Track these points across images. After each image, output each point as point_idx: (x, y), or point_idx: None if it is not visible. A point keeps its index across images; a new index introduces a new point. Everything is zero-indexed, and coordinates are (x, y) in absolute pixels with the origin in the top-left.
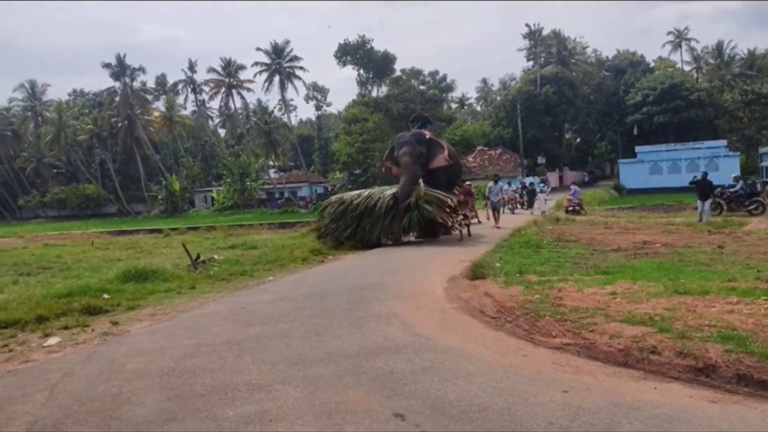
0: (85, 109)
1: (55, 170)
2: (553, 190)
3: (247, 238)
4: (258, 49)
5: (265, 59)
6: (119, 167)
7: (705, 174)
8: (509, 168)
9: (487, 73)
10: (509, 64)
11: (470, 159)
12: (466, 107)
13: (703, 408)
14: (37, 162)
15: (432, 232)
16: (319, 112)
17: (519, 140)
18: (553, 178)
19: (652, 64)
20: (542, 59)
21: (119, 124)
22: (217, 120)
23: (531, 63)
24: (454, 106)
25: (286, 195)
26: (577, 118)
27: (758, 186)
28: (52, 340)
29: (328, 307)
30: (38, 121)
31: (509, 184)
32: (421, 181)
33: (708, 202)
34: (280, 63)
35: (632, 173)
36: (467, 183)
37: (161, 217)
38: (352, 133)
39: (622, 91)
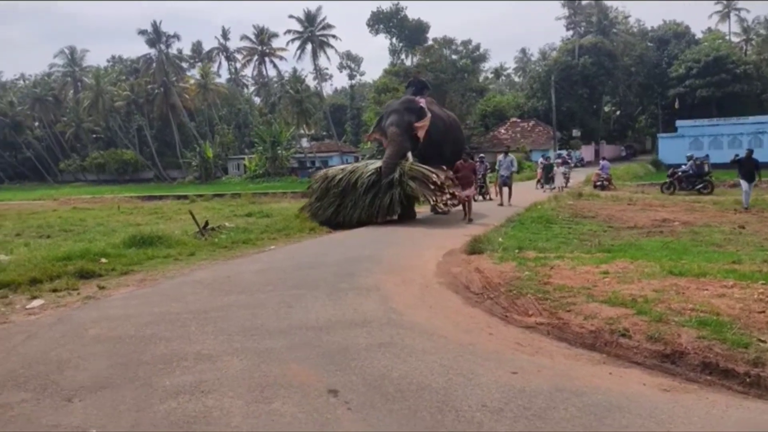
0: (123, 76)
1: (94, 135)
2: (588, 164)
3: (265, 207)
4: (291, 16)
5: (298, 27)
6: (156, 133)
7: (750, 152)
8: (542, 141)
9: (527, 43)
10: (552, 33)
11: (502, 131)
12: (504, 78)
13: (650, 397)
14: (76, 127)
15: (410, 211)
16: (353, 81)
17: (552, 112)
18: (588, 151)
19: (699, 35)
20: (582, 28)
21: (155, 91)
22: (252, 88)
23: (570, 33)
24: (489, 76)
25: (317, 164)
26: (617, 91)
27: (705, 167)
28: (35, 303)
29: (314, 278)
30: (77, 86)
31: (545, 157)
32: (409, 154)
33: (752, 184)
34: (312, 31)
35: (672, 148)
36: (481, 155)
37: (195, 183)
38: (382, 102)
39: (665, 63)
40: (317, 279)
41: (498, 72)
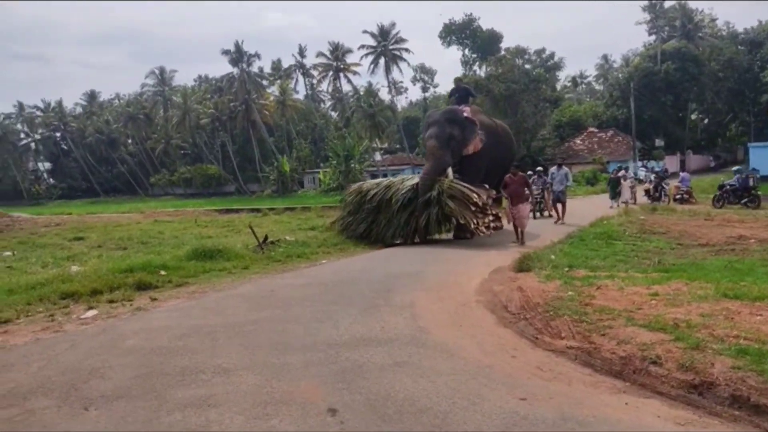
0: (208, 94)
1: (182, 151)
2: (673, 175)
3: (331, 220)
4: (365, 31)
5: (371, 42)
6: (237, 149)
7: None
8: (621, 151)
9: (609, 50)
10: (635, 39)
11: (578, 141)
12: (583, 86)
13: (660, 431)
14: (165, 143)
15: (464, 230)
16: (427, 94)
17: (632, 120)
18: (673, 162)
19: None
20: (665, 33)
21: (237, 108)
22: (328, 103)
23: (653, 38)
24: (567, 85)
25: (389, 177)
26: (704, 98)
27: (751, 181)
28: (90, 313)
29: (352, 293)
30: (167, 105)
31: (625, 169)
32: (450, 170)
33: None
34: (385, 45)
35: (765, 158)
36: (538, 168)
37: (272, 196)
38: None
39: (757, 66)
40: (355, 294)
41: (576, 80)
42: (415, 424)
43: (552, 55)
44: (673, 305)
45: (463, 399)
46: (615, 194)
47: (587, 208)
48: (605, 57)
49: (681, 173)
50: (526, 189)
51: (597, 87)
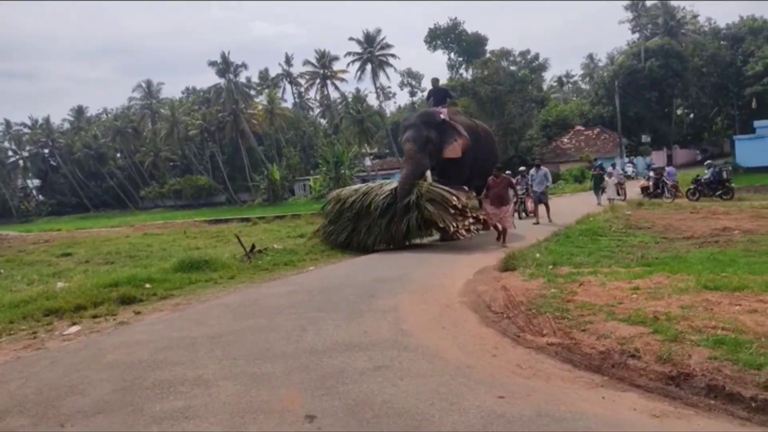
0: (195, 106)
1: (171, 163)
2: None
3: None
4: (351, 38)
5: (357, 49)
6: (227, 159)
7: None
8: (608, 148)
9: (594, 49)
10: (619, 38)
11: (565, 140)
12: (570, 85)
13: (635, 423)
14: (154, 156)
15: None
16: (414, 99)
17: (617, 118)
18: (660, 157)
19: None
20: (648, 31)
21: (225, 119)
22: (317, 111)
23: (636, 36)
24: (554, 85)
25: (378, 182)
26: (688, 93)
27: (724, 173)
28: (72, 329)
29: (337, 299)
30: (155, 118)
31: (612, 166)
32: (428, 173)
33: None
34: (371, 52)
35: (750, 150)
36: (524, 168)
37: (263, 205)
38: None
39: (740, 61)
40: (340, 300)
41: (562, 80)
42: (393, 426)
43: (537, 56)
44: (654, 298)
45: (442, 400)
46: (598, 190)
47: (575, 205)
48: (590, 56)
49: (667, 168)
50: (510, 191)
51: (583, 86)
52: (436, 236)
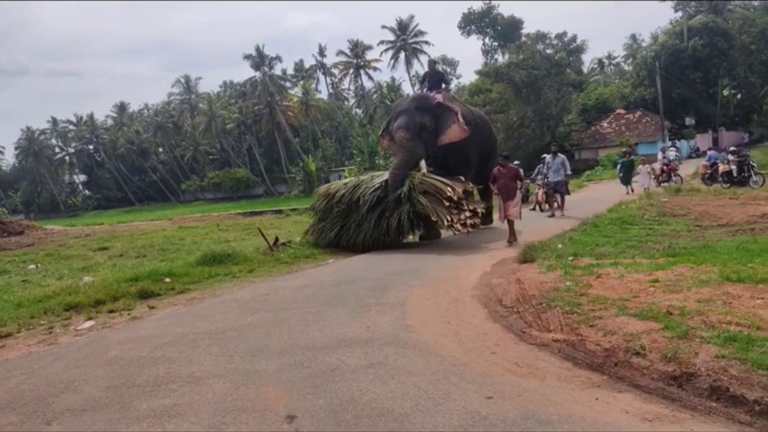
0: (232, 99)
1: (210, 156)
2: (704, 154)
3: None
4: (384, 26)
5: (390, 37)
6: (264, 151)
7: None
8: (649, 132)
9: (637, 29)
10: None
11: (605, 124)
12: (612, 67)
13: (624, 427)
14: (194, 150)
15: (431, 230)
16: (450, 86)
17: (659, 100)
18: (705, 140)
19: None
20: (692, 9)
21: (261, 112)
22: (352, 101)
23: (679, 14)
24: (594, 67)
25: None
26: (735, 72)
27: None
28: (86, 324)
29: (346, 293)
30: (193, 112)
31: (662, 150)
32: (423, 163)
33: None
34: (405, 39)
35: None
36: (516, 162)
37: (299, 197)
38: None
39: None
40: (349, 294)
41: (602, 62)
42: (370, 427)
43: (574, 38)
44: (672, 291)
45: (428, 400)
46: (628, 179)
47: (611, 192)
48: (633, 36)
49: (708, 152)
50: (517, 182)
51: (626, 68)
52: (447, 233)
